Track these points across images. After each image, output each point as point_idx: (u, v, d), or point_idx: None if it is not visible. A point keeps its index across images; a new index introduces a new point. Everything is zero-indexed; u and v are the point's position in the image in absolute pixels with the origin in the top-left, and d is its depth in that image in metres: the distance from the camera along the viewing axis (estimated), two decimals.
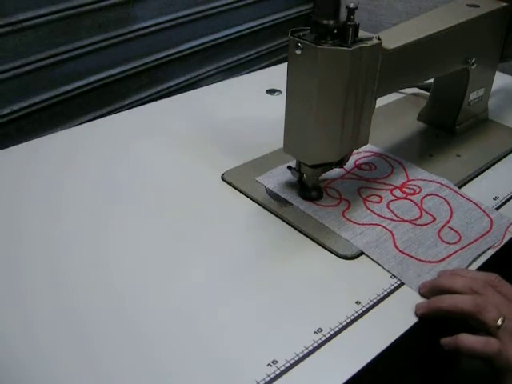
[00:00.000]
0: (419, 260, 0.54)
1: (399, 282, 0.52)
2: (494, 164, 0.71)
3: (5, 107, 1.02)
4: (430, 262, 0.54)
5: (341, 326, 0.47)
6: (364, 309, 0.49)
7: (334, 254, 0.55)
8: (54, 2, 1.02)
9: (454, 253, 0.55)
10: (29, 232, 0.57)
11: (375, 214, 0.60)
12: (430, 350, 0.56)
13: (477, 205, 0.62)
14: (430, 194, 0.64)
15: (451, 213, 0.61)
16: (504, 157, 0.73)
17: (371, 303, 0.49)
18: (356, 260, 0.55)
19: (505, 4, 0.70)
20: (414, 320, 0.48)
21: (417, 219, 0.60)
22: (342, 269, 0.54)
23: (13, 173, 0.66)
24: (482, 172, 0.70)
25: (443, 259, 0.55)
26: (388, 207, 0.61)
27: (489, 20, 0.69)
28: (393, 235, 0.57)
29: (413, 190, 0.64)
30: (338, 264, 0.54)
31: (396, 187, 0.65)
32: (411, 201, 0.63)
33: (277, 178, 0.65)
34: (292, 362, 0.44)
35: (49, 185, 0.64)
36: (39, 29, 1.02)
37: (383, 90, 0.59)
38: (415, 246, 0.56)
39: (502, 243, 0.57)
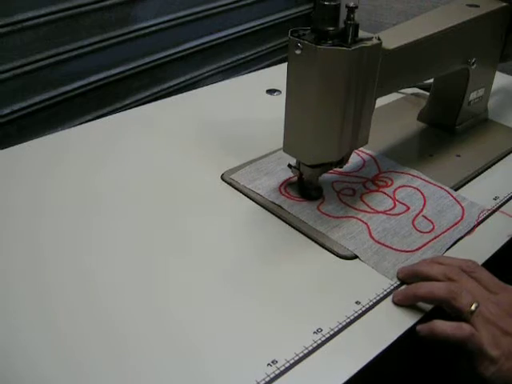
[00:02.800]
0: (395, 249, 0.55)
1: (399, 282, 0.52)
2: (494, 164, 0.71)
3: (5, 107, 1.02)
4: (405, 251, 0.55)
5: (341, 326, 0.47)
6: (364, 309, 0.49)
7: (334, 254, 0.55)
8: (54, 2, 1.02)
9: (428, 242, 0.57)
10: (28, 231, 0.57)
11: (349, 206, 0.61)
12: (429, 350, 0.56)
13: (448, 192, 0.63)
14: (403, 186, 0.65)
15: (424, 201, 0.62)
16: (504, 157, 0.73)
17: (371, 303, 0.49)
18: (356, 260, 0.55)
19: (505, 4, 0.70)
20: (413, 320, 0.48)
21: (391, 209, 0.61)
22: (341, 269, 0.54)
23: (13, 173, 0.66)
24: (482, 172, 0.70)
25: (418, 249, 0.56)
26: (362, 200, 0.62)
27: (489, 20, 0.69)
28: (368, 226, 0.58)
29: (385, 182, 0.65)
30: (338, 264, 0.54)
31: (368, 180, 0.66)
32: (384, 193, 0.63)
33: (251, 174, 0.66)
34: (292, 361, 0.44)
35: (49, 185, 0.64)
36: (39, 29, 1.02)
37: (383, 90, 0.59)
38: (390, 235, 0.57)
39: (474, 231, 0.58)
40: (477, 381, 0.46)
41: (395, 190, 0.64)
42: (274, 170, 0.66)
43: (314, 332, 0.46)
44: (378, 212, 0.60)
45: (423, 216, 0.60)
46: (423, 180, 0.66)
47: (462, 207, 0.61)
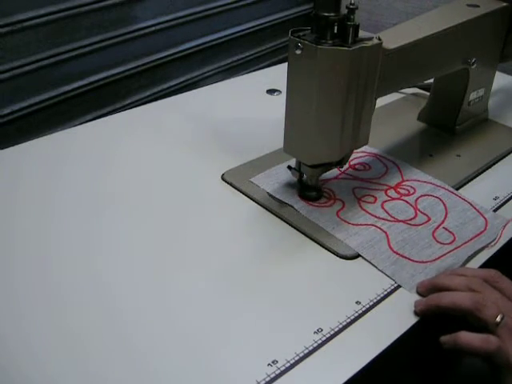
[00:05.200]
0: (413, 261, 0.54)
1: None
2: (494, 164, 0.71)
3: (5, 107, 1.02)
4: (423, 261, 0.54)
5: (341, 326, 0.47)
6: (364, 309, 0.49)
7: (334, 254, 0.55)
8: (54, 2, 1.02)
9: (448, 252, 0.55)
10: (26, 231, 0.57)
11: (370, 214, 0.60)
12: (430, 350, 0.56)
13: (471, 205, 0.62)
14: (425, 195, 0.63)
15: (446, 213, 0.61)
16: (504, 157, 0.73)
17: (371, 303, 0.49)
18: (356, 260, 0.55)
19: (505, 4, 0.70)
20: (414, 320, 0.48)
21: (411, 219, 0.60)
22: (342, 269, 0.54)
23: (13, 173, 0.66)
24: (482, 172, 0.70)
25: (437, 258, 0.55)
26: (382, 207, 0.61)
27: (489, 20, 0.69)
28: (387, 235, 0.57)
29: (407, 190, 0.64)
30: (338, 264, 0.54)
31: (390, 187, 0.65)
32: (405, 201, 0.62)
33: (271, 178, 0.65)
34: (292, 362, 0.44)
35: (49, 185, 0.64)
36: (39, 29, 1.02)
37: (383, 89, 0.59)
38: (409, 246, 0.56)
39: (498, 242, 0.57)
40: (477, 378, 0.46)
41: (417, 198, 0.63)
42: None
43: (315, 332, 0.46)
44: (398, 221, 0.59)
45: (444, 228, 0.59)
46: (447, 190, 0.64)
47: (485, 219, 0.60)
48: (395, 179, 0.66)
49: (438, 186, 0.65)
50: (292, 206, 0.60)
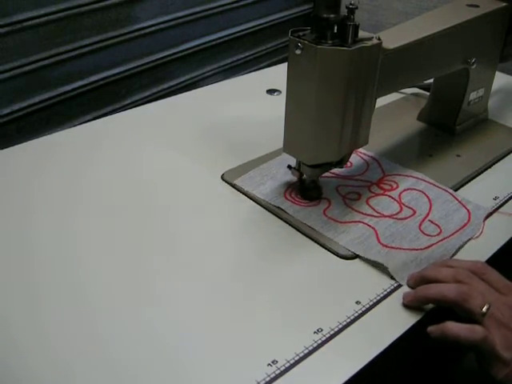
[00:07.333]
0: (404, 249, 0.55)
1: (399, 283, 0.52)
2: (494, 164, 0.71)
3: (5, 107, 1.02)
4: (414, 249, 0.55)
5: (341, 326, 0.47)
6: (364, 309, 0.49)
7: (334, 254, 0.55)
8: (54, 2, 1.02)
9: (436, 243, 0.56)
10: (23, 231, 0.57)
11: (356, 211, 0.61)
12: (430, 350, 0.56)
13: (453, 196, 0.63)
14: (408, 189, 0.64)
15: (430, 205, 0.62)
16: (504, 157, 0.73)
17: (371, 303, 0.50)
18: (356, 260, 0.55)
19: (505, 4, 0.70)
20: (413, 320, 0.48)
21: (397, 214, 0.61)
22: (342, 269, 0.54)
23: (13, 173, 0.66)
24: (482, 172, 0.70)
25: (427, 247, 0.55)
26: (368, 204, 0.62)
27: (489, 20, 0.69)
28: (375, 231, 0.58)
29: (390, 185, 0.65)
30: (338, 264, 0.54)
31: (373, 183, 0.66)
32: (389, 197, 0.63)
33: (255, 179, 0.65)
34: (292, 362, 0.44)
35: (49, 185, 0.64)
36: (39, 29, 1.02)
37: (383, 90, 0.59)
38: (398, 240, 0.57)
39: (482, 234, 0.58)
40: (477, 378, 0.46)
41: (400, 193, 0.64)
42: (277, 174, 0.65)
43: (315, 332, 0.46)
44: (384, 216, 0.60)
45: (429, 220, 0.60)
46: (428, 182, 0.65)
47: (467, 210, 0.61)
48: (377, 175, 0.67)
49: (419, 179, 0.66)
50: (279, 207, 0.60)
